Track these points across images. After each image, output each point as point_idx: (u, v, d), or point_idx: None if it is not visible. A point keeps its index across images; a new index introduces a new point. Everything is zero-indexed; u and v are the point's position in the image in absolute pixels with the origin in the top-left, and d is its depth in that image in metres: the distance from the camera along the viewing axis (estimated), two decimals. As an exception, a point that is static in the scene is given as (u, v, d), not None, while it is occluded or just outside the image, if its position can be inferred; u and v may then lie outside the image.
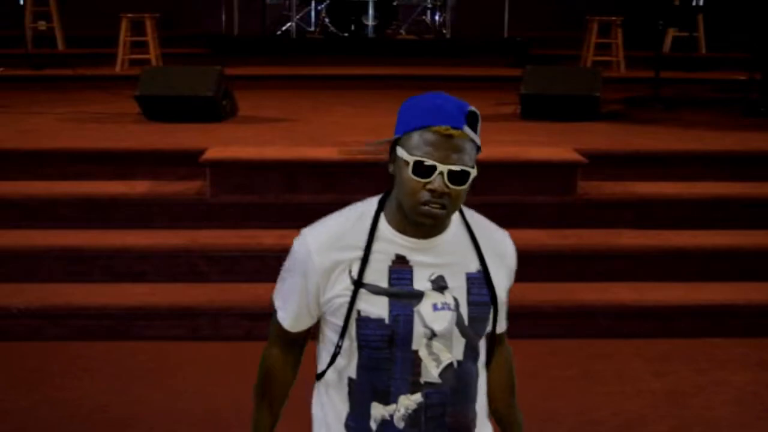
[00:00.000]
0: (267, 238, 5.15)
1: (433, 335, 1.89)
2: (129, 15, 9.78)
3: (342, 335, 1.92)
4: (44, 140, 6.21)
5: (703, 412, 4.01)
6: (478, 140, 1.85)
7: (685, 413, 4.00)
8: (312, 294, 1.94)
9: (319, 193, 5.38)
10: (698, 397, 4.15)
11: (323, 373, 2.01)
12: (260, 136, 6.57)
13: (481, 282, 1.94)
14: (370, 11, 11.42)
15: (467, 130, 1.82)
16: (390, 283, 1.89)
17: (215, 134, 6.43)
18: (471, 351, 1.95)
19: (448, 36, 11.72)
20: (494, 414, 2.13)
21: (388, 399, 1.91)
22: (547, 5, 11.68)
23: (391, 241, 1.90)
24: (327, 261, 1.91)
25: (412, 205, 1.84)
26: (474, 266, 1.95)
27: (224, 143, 5.95)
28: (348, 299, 1.89)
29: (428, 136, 1.81)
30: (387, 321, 1.87)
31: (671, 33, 10.35)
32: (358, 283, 1.88)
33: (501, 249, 2.00)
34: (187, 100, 6.89)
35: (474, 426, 2.00)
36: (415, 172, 1.81)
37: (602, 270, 5.09)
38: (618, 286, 4.98)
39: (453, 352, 1.91)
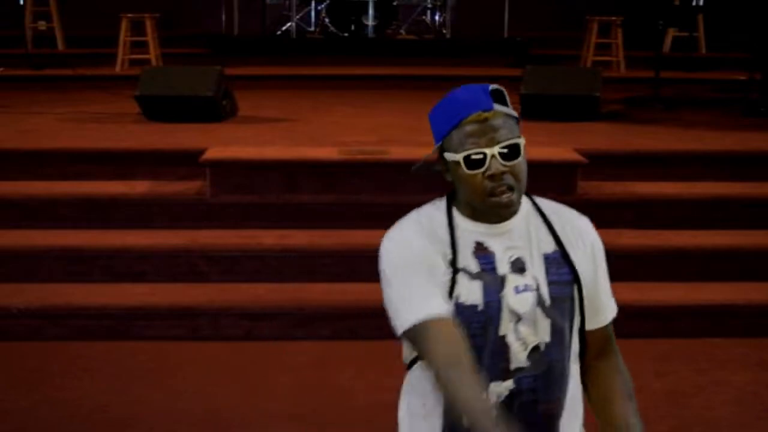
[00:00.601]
0: (267, 238, 5.16)
1: (518, 319, 1.88)
2: (129, 15, 9.77)
3: None
4: (44, 140, 6.21)
5: (703, 412, 4.01)
6: (513, 112, 1.88)
7: (685, 413, 3.99)
8: (426, 269, 1.86)
9: (319, 193, 5.38)
10: (698, 397, 4.15)
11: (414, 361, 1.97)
12: (260, 136, 6.57)
13: (559, 261, 1.93)
14: (370, 11, 11.42)
15: (498, 107, 1.85)
16: (480, 269, 1.89)
17: (215, 134, 6.43)
18: (558, 334, 1.92)
19: (448, 36, 11.72)
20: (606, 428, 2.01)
21: None
22: (547, 5, 11.68)
23: (468, 231, 1.91)
24: (421, 246, 1.88)
25: (482, 199, 1.86)
26: (550, 247, 1.94)
27: (224, 143, 5.95)
28: (448, 284, 1.87)
29: (465, 129, 1.84)
30: (480, 307, 1.87)
31: (671, 33, 10.34)
32: (454, 268, 1.87)
33: (582, 234, 2.00)
34: (187, 100, 6.89)
35: (562, 415, 1.96)
36: (468, 166, 1.84)
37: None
38: (618, 286, 4.93)
39: (539, 334, 1.89)
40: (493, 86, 1.88)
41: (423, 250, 1.88)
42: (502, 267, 1.89)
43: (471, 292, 1.87)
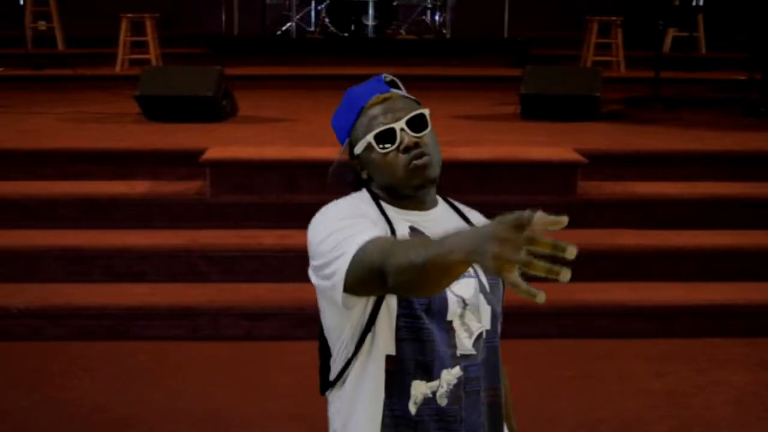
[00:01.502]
0: (267, 238, 5.16)
1: (464, 305, 1.85)
2: (129, 15, 9.78)
3: (378, 304, 1.81)
4: (44, 140, 6.21)
5: (703, 412, 4.01)
6: (411, 96, 1.93)
7: (685, 413, 4.00)
8: (371, 222, 1.80)
9: (319, 193, 5.30)
10: (698, 397, 4.15)
11: (350, 361, 1.88)
12: (260, 136, 6.57)
13: None
14: (370, 11, 11.41)
15: (395, 90, 1.92)
16: None
17: (215, 134, 6.43)
18: (495, 322, 1.91)
19: (448, 36, 11.71)
20: None
21: (431, 375, 1.82)
22: (547, 5, 11.68)
23: (397, 218, 1.89)
24: (363, 212, 1.85)
25: (401, 174, 1.87)
26: None
27: (224, 143, 5.95)
28: None
29: (369, 113, 1.90)
30: None
31: (671, 33, 10.34)
32: None
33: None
34: (187, 100, 6.89)
35: (503, 404, 1.95)
36: (380, 143, 1.87)
37: (602, 270, 5.08)
38: (618, 286, 4.98)
39: (482, 321, 1.88)
40: (387, 76, 1.94)
41: (366, 214, 1.85)
42: None
43: None
